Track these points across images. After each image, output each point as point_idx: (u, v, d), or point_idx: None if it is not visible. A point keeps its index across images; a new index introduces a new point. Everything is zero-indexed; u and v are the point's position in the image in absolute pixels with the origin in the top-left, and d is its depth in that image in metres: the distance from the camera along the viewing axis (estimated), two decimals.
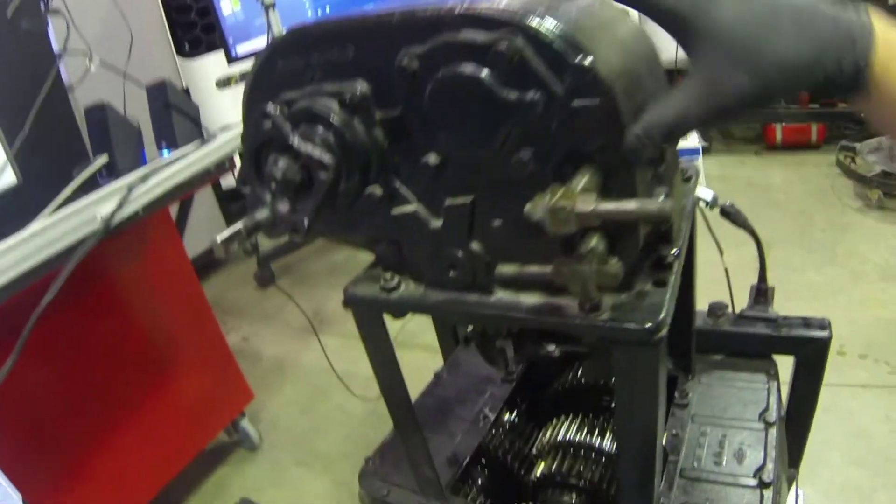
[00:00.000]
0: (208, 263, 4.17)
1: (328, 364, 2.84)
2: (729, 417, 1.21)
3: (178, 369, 2.48)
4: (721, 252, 1.36)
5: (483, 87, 0.67)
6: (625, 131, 0.62)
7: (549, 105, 0.65)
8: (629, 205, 0.59)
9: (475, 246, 0.78)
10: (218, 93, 3.82)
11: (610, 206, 0.59)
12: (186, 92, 3.66)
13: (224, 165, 2.12)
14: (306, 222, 0.80)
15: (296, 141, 0.75)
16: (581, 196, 0.59)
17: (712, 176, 4.39)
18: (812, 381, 1.34)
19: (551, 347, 1.40)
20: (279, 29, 2.47)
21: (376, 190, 0.81)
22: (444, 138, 0.73)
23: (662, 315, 0.71)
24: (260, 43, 3.26)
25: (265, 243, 4.17)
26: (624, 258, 0.66)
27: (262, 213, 0.80)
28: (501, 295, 0.80)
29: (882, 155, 4.15)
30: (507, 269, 0.76)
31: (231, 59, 3.75)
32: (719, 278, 1.41)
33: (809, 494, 2.01)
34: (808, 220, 3.84)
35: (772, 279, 1.35)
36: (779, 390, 1.27)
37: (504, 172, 0.71)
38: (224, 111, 3.71)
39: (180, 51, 3.80)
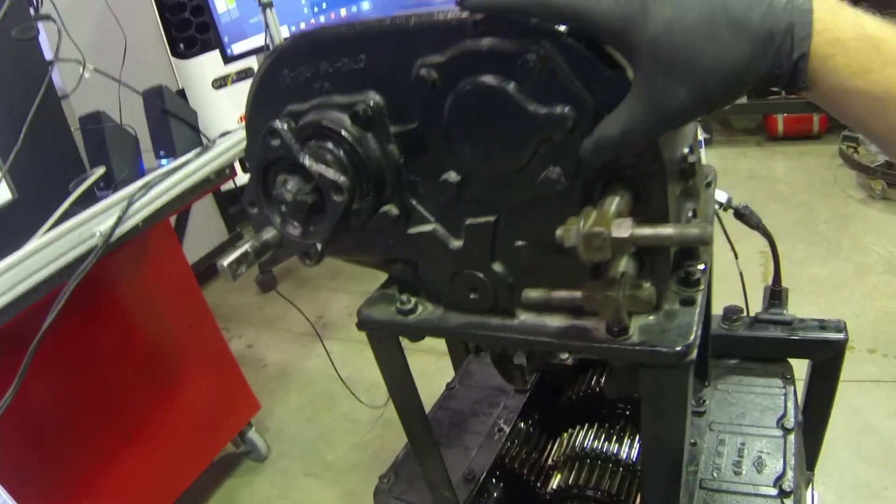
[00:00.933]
0: (209, 269, 4.13)
1: (333, 370, 2.81)
2: (747, 424, 1.19)
3: (183, 381, 2.45)
4: (736, 255, 1.33)
5: (509, 101, 0.63)
6: (657, 145, 0.61)
7: (580, 119, 0.61)
8: (667, 230, 0.56)
9: (497, 267, 0.75)
10: (214, 93, 3.78)
11: (647, 231, 0.56)
12: (182, 93, 3.61)
13: (225, 172, 2.08)
14: (320, 247, 0.76)
15: (307, 161, 0.70)
16: (616, 221, 0.56)
17: (714, 168, 4.34)
18: (828, 383, 1.32)
19: (564, 356, 1.37)
20: (277, 28, 2.43)
21: (392, 209, 0.77)
22: (466, 155, 0.69)
23: (692, 337, 0.68)
24: (256, 42, 3.23)
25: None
26: (655, 280, 0.63)
27: (269, 234, 0.77)
28: (524, 317, 0.77)
29: None
30: (533, 293, 0.72)
31: (227, 58, 3.69)
32: (725, 275, 1.38)
33: (821, 493, 1.99)
34: (811, 213, 3.81)
35: None
36: (795, 394, 1.25)
37: (530, 191, 0.67)
38: (221, 111, 3.68)
39: (175, 51, 3.76)
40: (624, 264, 0.59)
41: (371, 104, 0.72)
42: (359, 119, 0.72)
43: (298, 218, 0.75)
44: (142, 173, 1.99)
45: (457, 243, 0.76)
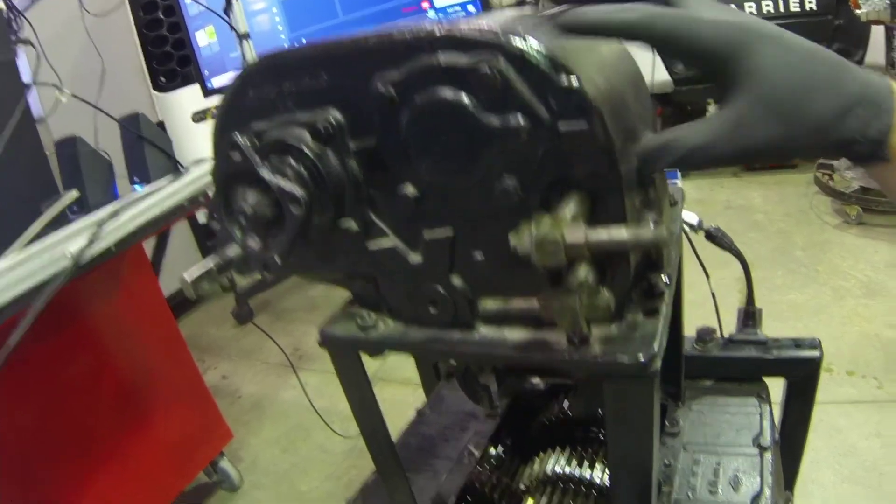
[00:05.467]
0: (185, 301, 4.09)
1: (308, 401, 2.78)
2: (722, 444, 1.18)
3: (155, 409, 2.42)
4: (707, 276, 1.33)
5: (464, 113, 0.63)
6: (614, 155, 0.60)
7: (535, 130, 0.61)
8: (621, 233, 0.55)
9: (456, 280, 0.74)
10: (194, 126, 3.78)
11: (601, 235, 0.55)
12: (161, 125, 3.61)
13: (198, 199, 2.07)
14: (279, 259, 0.75)
15: (266, 174, 0.70)
16: (569, 226, 0.56)
17: (691, 199, 4.39)
18: (804, 401, 1.31)
19: (536, 380, 1.36)
20: (254, 59, 2.44)
21: (351, 224, 0.77)
22: (423, 168, 0.69)
23: (656, 347, 0.67)
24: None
25: (242, 279, 4.09)
26: (615, 289, 0.62)
27: (232, 250, 0.76)
28: (485, 331, 0.76)
29: (860, 171, 4.17)
30: (490, 303, 0.72)
31: (207, 91, 3.72)
32: (701, 301, 1.38)
33: None
34: (788, 240, 3.85)
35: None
36: (771, 413, 1.24)
37: (486, 202, 0.67)
38: (200, 145, 3.66)
39: (156, 84, 3.76)
40: (583, 273, 0.58)
41: (331, 121, 0.72)
42: (319, 135, 0.72)
43: (258, 231, 0.74)
44: (115, 198, 1.98)
45: (416, 257, 0.75)
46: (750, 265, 1.32)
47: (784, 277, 3.45)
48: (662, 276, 0.75)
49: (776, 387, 1.29)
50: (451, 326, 0.77)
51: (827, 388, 1.28)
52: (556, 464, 1.21)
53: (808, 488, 2.14)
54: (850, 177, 4.17)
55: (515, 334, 0.74)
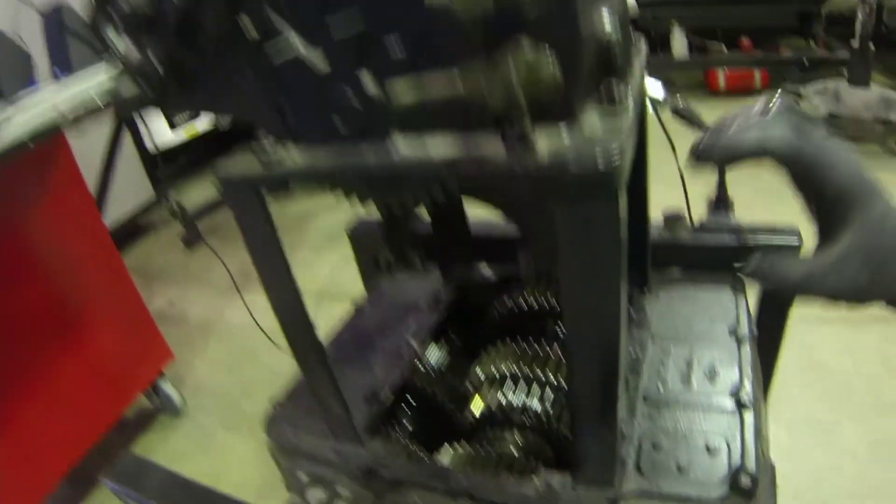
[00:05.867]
0: (134, 230, 3.93)
1: (254, 322, 2.63)
2: (695, 335, 1.05)
3: (86, 329, 2.24)
4: (674, 149, 1.19)
5: None
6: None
7: None
8: None
9: (366, 79, 0.59)
10: None
11: None
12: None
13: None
14: (160, 67, 0.60)
15: None
16: None
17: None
18: (782, 297, 1.19)
19: (485, 270, 1.22)
20: None
21: (248, 26, 0.60)
22: None
23: (616, 150, 0.53)
24: None
25: (190, 203, 3.93)
26: (569, 86, 0.47)
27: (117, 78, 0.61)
28: (404, 148, 0.60)
29: (828, 97, 4.07)
30: (404, 92, 0.56)
31: None
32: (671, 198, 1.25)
33: (772, 430, 1.91)
34: (757, 164, 3.74)
35: None
36: (747, 305, 1.11)
37: None
38: None
39: None
40: (523, 44, 0.43)
41: None
42: None
43: (137, 35, 0.59)
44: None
45: (323, 65, 0.60)
46: None
47: (752, 197, 3.30)
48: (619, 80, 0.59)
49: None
50: (363, 136, 0.61)
51: (796, 305, 1.17)
52: (508, 360, 1.08)
53: (777, 405, 2.04)
54: (817, 103, 4.07)
55: (440, 147, 0.58)
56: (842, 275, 0.60)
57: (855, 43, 4.00)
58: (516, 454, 0.99)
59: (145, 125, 3.70)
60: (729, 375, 0.96)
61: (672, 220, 1.19)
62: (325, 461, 0.98)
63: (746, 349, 1.00)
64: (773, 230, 1.18)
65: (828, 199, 0.62)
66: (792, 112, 0.64)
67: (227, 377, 2.78)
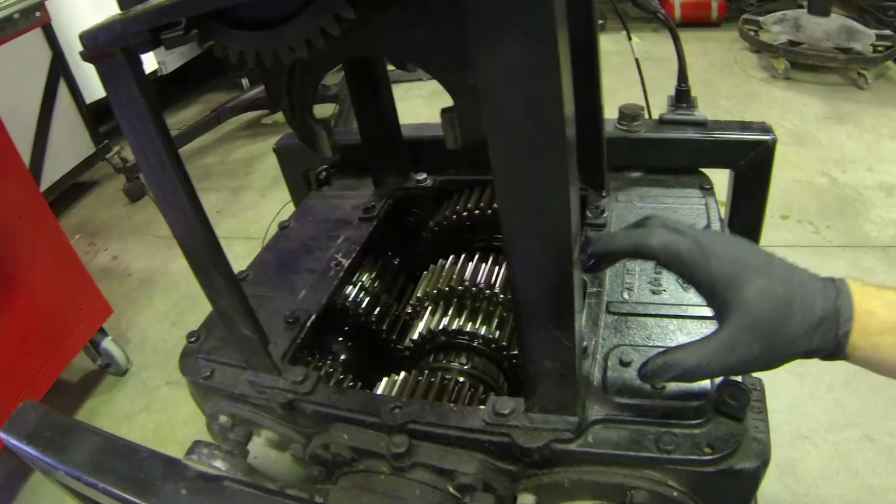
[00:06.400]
0: (76, 186, 3.73)
1: None
2: None
3: (17, 288, 2.08)
4: (630, 36, 1.07)
5: None
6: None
7: None
8: None
9: None
10: None
11: None
12: None
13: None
14: None
15: None
16: None
17: (609, 51, 4.12)
18: (755, 198, 1.09)
19: (421, 176, 1.09)
20: None
21: None
22: None
23: None
24: None
25: (131, 152, 3.74)
26: None
27: None
28: None
29: (787, 25, 3.97)
30: None
31: None
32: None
33: None
34: (713, 89, 3.68)
35: None
36: (718, 208, 1.00)
37: None
38: None
39: None
40: None
41: None
42: None
43: None
44: None
45: None
46: None
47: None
48: None
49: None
50: None
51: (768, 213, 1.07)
52: (452, 277, 0.96)
53: None
54: (777, 31, 3.97)
55: None
56: (735, 352, 0.64)
57: None
58: (462, 382, 0.87)
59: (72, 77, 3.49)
60: None
61: (629, 111, 1.06)
62: (242, 398, 0.85)
63: None
64: (744, 125, 1.06)
65: (710, 286, 0.66)
66: (666, 221, 0.69)
67: (172, 330, 2.65)
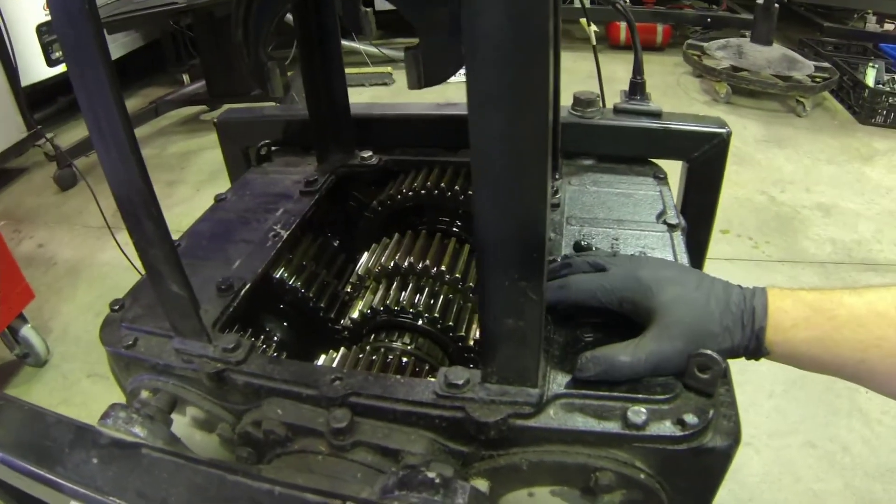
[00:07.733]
0: (4, 171, 3.59)
1: (128, 261, 2.38)
2: (619, 219, 0.91)
3: None
4: (589, 22, 1.05)
5: None
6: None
7: None
8: None
9: None
10: None
11: None
12: None
13: None
14: None
15: None
16: None
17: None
18: (708, 191, 1.12)
19: (367, 154, 1.05)
20: None
21: None
22: None
23: None
24: None
25: (65, 140, 3.61)
26: None
27: None
28: None
29: (731, 51, 4.05)
30: None
31: None
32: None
33: None
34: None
35: None
36: (672, 196, 0.98)
37: None
38: None
39: None
40: None
41: None
42: None
43: None
44: None
45: None
46: None
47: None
48: None
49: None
50: None
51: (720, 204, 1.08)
52: (395, 254, 0.92)
53: None
54: (720, 56, 4.05)
55: None
56: (662, 346, 0.67)
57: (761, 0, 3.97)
58: (406, 363, 0.83)
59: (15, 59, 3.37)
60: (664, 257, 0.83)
61: (583, 99, 1.04)
62: (167, 369, 0.79)
63: (678, 237, 0.87)
64: (699, 118, 1.05)
65: (631, 303, 0.72)
66: (579, 265, 0.77)
67: (96, 322, 2.52)
